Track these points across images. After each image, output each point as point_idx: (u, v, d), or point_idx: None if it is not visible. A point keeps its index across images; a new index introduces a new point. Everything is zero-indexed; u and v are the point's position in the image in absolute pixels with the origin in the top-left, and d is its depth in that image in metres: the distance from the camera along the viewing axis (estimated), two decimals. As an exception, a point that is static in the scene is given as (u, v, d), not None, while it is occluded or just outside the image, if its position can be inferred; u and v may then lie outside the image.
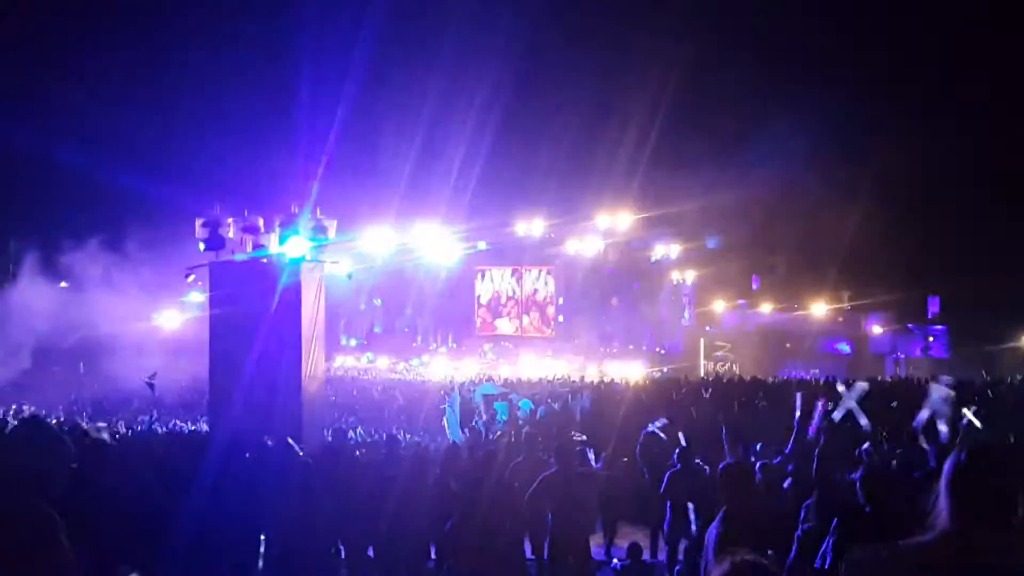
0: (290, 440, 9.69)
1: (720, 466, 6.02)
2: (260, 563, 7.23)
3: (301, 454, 9.58)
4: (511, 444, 12.08)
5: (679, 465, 9.71)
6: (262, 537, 7.28)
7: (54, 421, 16.81)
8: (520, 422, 16.84)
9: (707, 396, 17.68)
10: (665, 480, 9.65)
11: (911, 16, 34.71)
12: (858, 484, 5.98)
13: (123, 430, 15.19)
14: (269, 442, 9.68)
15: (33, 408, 19.30)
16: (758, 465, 8.30)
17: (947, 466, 3.05)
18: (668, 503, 9.52)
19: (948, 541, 2.95)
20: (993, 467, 3.00)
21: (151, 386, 16.98)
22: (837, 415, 10.53)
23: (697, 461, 9.79)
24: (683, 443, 10.06)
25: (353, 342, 40.97)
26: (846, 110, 34.23)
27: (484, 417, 17.56)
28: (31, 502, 3.38)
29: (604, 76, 36.08)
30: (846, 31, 35.62)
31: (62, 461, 3.60)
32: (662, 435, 11.88)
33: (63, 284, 26.27)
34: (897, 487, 6.35)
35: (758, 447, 11.16)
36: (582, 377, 26.31)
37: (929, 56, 34.83)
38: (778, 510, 6.97)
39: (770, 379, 21.71)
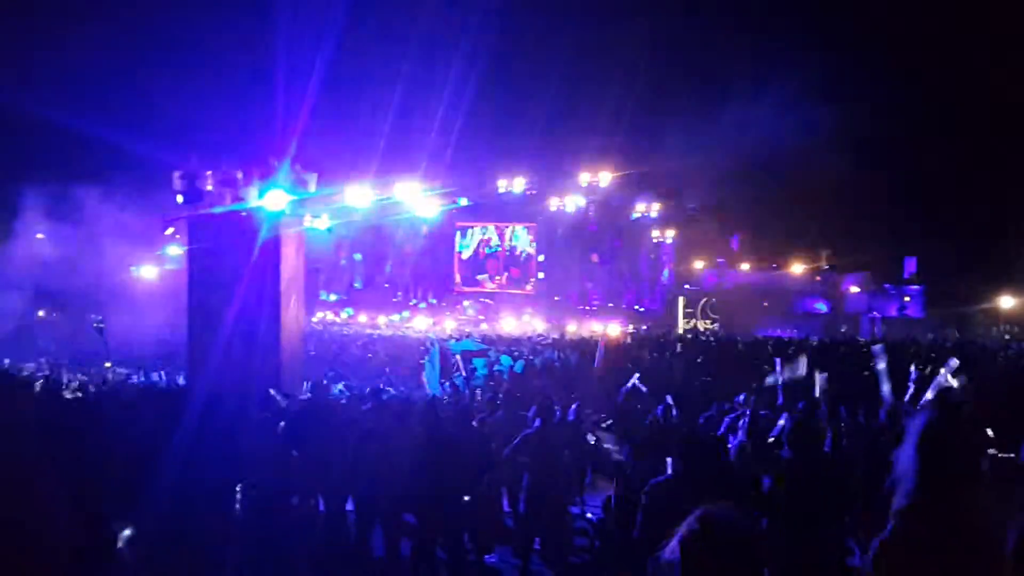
0: (272, 391, 9.72)
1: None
2: (239, 515, 7.29)
3: (284, 404, 9.61)
4: (490, 400, 12.16)
5: (661, 420, 9.84)
6: (238, 489, 7.33)
7: (30, 371, 16.81)
8: (505, 377, 16.96)
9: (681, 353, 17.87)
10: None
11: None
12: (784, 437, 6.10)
13: (98, 382, 15.20)
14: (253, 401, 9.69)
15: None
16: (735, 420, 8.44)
17: (915, 426, 3.01)
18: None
19: (921, 505, 2.91)
20: (963, 428, 2.99)
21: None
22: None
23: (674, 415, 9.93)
24: (669, 402, 10.18)
25: (333, 297, 40.91)
26: (825, 69, 34.19)
27: (463, 373, 17.65)
28: (5, 450, 3.39)
29: (587, 33, 35.84)
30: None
31: (25, 407, 3.61)
32: (642, 388, 12.06)
33: (39, 236, 26.09)
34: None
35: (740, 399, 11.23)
36: (562, 334, 26.47)
37: (909, 12, 34.75)
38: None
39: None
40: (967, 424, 3.06)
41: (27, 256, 25.45)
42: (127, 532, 5.17)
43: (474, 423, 9.28)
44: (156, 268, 24.76)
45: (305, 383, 13.66)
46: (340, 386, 15.38)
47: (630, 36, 32.63)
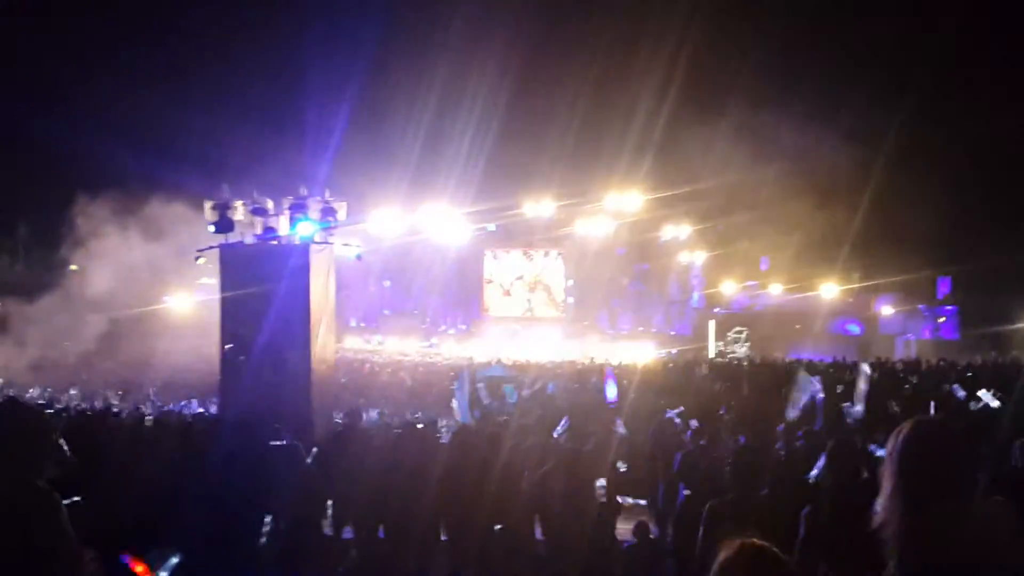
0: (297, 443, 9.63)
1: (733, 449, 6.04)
2: (267, 542, 7.29)
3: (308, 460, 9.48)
4: (521, 426, 12.10)
5: (691, 446, 9.78)
6: (267, 519, 7.33)
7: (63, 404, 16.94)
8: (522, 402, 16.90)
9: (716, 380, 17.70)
10: (677, 461, 9.70)
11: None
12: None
13: (135, 412, 15.31)
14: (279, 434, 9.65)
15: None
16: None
17: (891, 444, 2.95)
18: (681, 484, 9.56)
19: (893, 525, 2.84)
20: (936, 447, 2.89)
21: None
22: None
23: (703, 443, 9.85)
24: (693, 426, 10.11)
25: (362, 324, 41.04)
26: (856, 89, 34.08)
27: (493, 400, 17.59)
28: (23, 481, 3.39)
29: (614, 55, 35.91)
30: (857, 12, 35.37)
31: (44, 438, 3.61)
32: (677, 420, 11.94)
33: (73, 267, 26.41)
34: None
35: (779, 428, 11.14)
36: (591, 359, 26.36)
37: (942, 33, 34.56)
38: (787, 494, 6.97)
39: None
40: (946, 441, 2.91)
41: (63, 287, 25.78)
42: (173, 560, 5.16)
43: (505, 450, 9.23)
44: (189, 298, 24.94)
45: (336, 412, 13.67)
46: (374, 413, 15.41)
47: (658, 57, 32.67)
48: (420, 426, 11.06)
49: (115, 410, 15.62)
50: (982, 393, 10.90)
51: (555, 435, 10.75)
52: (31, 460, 3.49)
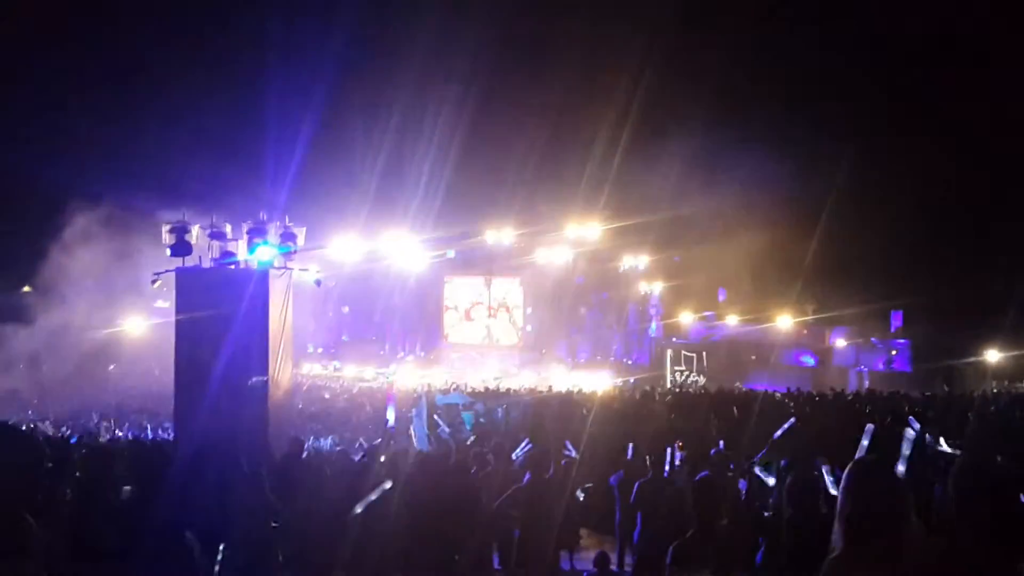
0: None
1: (695, 478, 6.07)
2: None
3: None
4: (478, 454, 12.06)
5: (650, 474, 9.84)
6: (221, 547, 7.21)
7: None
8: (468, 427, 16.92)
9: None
10: (635, 489, 9.75)
11: (876, 28, 35.24)
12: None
13: (87, 437, 15.04)
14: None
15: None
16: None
17: (841, 485, 3.20)
18: (639, 513, 9.61)
19: (836, 562, 3.07)
20: (872, 484, 3.14)
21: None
22: None
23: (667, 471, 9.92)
24: (629, 453, 10.25)
25: (320, 350, 40.73)
26: (809, 125, 34.67)
27: (448, 427, 17.54)
28: (7, 505, 3.33)
29: (572, 88, 36.23)
30: (809, 48, 36.02)
31: (38, 463, 3.55)
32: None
33: (26, 288, 25.99)
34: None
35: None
36: (550, 387, 26.38)
37: (891, 67, 35.34)
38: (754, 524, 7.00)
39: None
40: (880, 486, 3.15)
41: (12, 310, 25.33)
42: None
43: (464, 477, 9.19)
44: (144, 322, 24.61)
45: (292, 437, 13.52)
46: (321, 440, 15.26)
47: (616, 91, 33.03)
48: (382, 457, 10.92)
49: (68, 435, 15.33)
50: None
51: (514, 457, 10.74)
52: (21, 486, 3.44)
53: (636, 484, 9.76)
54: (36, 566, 3.37)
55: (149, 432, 17.64)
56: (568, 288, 39.65)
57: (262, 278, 14.62)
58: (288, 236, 15.13)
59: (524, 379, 32.37)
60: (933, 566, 3.05)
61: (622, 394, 24.01)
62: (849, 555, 3.03)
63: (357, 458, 9.85)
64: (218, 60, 31.38)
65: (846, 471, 3.18)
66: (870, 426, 9.02)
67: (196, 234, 14.97)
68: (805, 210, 35.13)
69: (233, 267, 14.93)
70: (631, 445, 11.77)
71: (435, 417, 17.94)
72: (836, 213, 34.08)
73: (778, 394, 22.59)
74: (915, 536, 3.09)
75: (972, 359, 34.75)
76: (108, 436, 16.28)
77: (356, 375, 34.72)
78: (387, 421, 17.76)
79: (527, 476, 8.49)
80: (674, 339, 40.86)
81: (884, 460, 4.15)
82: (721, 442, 12.03)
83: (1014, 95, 31.42)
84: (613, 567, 10.02)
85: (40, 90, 29.92)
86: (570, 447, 12.22)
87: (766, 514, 7.23)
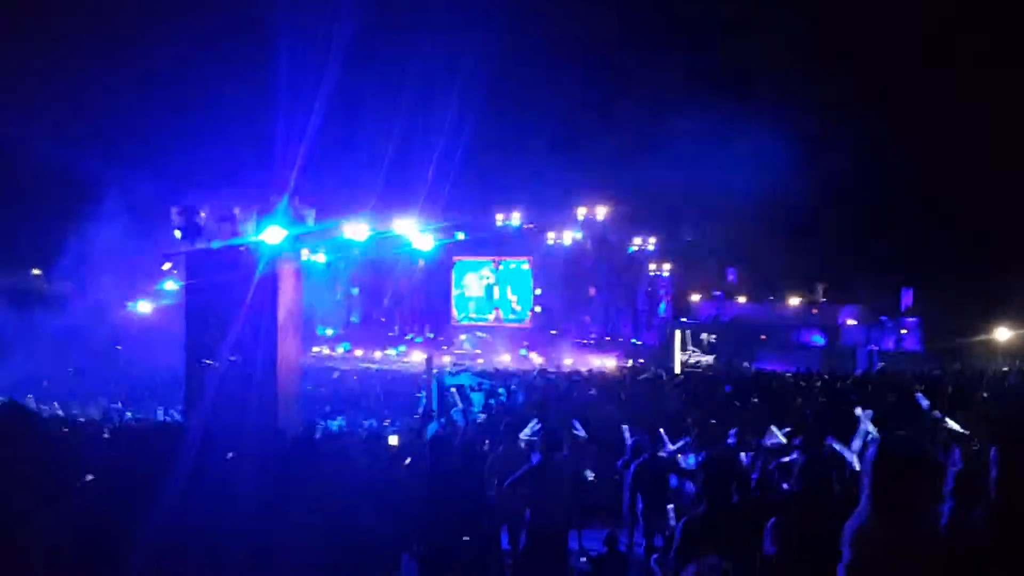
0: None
1: (701, 457, 6.06)
2: (235, 555, 7.19)
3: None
4: (490, 434, 12.08)
5: (646, 455, 9.87)
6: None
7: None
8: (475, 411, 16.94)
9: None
10: (631, 471, 9.82)
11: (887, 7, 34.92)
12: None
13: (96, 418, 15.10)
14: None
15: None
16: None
17: (866, 459, 3.54)
18: (639, 494, 9.70)
19: (867, 520, 3.39)
20: (897, 460, 3.42)
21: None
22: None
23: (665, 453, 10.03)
24: (627, 437, 10.36)
25: (330, 331, 40.81)
26: (822, 103, 34.44)
27: (460, 407, 17.55)
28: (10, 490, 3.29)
29: (585, 69, 36.10)
30: (822, 24, 35.75)
31: (47, 443, 3.50)
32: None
33: (36, 271, 26.06)
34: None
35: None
36: (559, 368, 26.40)
37: (909, 47, 35.04)
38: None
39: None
40: (902, 459, 3.43)
41: (24, 292, 25.40)
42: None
43: (476, 459, 9.19)
44: (153, 304, 24.64)
45: (302, 418, 13.56)
46: (339, 421, 15.27)
47: (628, 71, 32.89)
48: (393, 438, 10.94)
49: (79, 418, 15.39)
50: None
51: (523, 437, 10.73)
52: (32, 467, 3.37)
53: (633, 465, 9.87)
54: (36, 560, 3.33)
55: (161, 415, 17.68)
56: (578, 270, 39.64)
57: (271, 260, 14.59)
58: (297, 217, 15.09)
59: (533, 360, 32.41)
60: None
61: (632, 373, 24.03)
62: (879, 524, 3.35)
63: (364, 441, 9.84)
64: (229, 40, 31.29)
65: (877, 447, 3.50)
66: (868, 411, 9.03)
67: (205, 216, 14.95)
68: (815, 190, 34.95)
69: (243, 249, 14.91)
70: (629, 427, 11.82)
71: (445, 397, 17.95)
72: (846, 192, 33.93)
73: (788, 375, 22.55)
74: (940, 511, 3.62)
75: (982, 337, 34.58)
76: (118, 420, 16.30)
77: (365, 356, 34.78)
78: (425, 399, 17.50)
79: (537, 456, 8.47)
80: (683, 320, 40.80)
81: (914, 437, 4.61)
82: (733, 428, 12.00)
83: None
84: (622, 547, 10.03)
85: (45, 71, 29.89)
86: (579, 427, 12.24)
87: (780, 490, 7.23)
